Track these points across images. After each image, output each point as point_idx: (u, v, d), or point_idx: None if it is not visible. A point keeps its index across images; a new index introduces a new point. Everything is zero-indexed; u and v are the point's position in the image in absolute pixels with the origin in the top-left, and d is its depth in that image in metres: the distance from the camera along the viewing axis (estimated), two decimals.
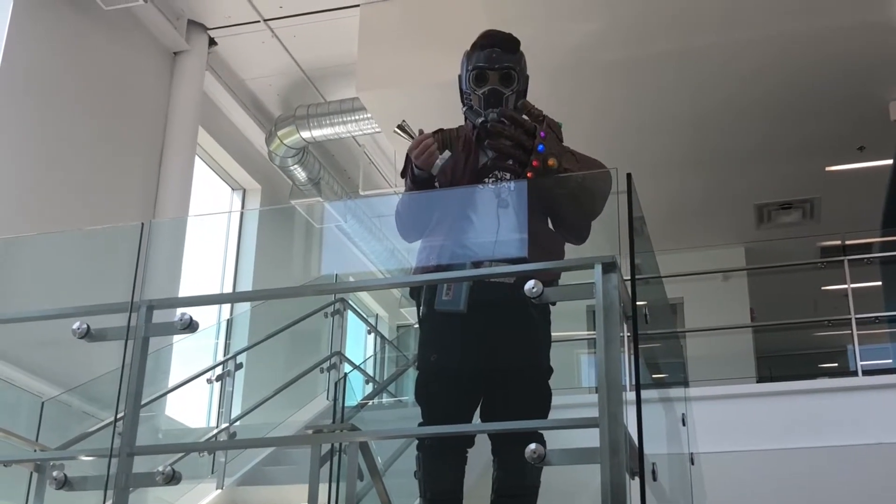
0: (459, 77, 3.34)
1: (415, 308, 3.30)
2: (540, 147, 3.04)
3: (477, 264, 3.10)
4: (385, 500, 3.63)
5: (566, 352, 7.96)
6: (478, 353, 3.06)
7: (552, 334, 3.18)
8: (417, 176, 3.16)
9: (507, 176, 3.20)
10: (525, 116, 3.17)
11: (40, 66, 6.54)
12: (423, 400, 3.13)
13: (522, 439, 2.37)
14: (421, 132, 3.17)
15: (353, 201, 10.16)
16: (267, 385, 6.93)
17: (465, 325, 3.04)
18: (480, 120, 3.22)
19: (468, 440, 3.09)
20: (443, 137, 3.30)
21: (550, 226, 3.25)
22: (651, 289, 3.38)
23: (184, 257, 7.38)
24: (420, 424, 3.15)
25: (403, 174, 3.34)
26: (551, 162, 3.05)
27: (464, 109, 3.32)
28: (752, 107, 7.72)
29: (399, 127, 3.25)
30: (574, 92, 7.14)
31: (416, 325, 3.39)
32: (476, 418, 3.14)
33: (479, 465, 3.18)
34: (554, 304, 2.95)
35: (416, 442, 3.16)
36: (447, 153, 3.13)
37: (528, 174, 3.03)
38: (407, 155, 3.26)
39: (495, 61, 3.24)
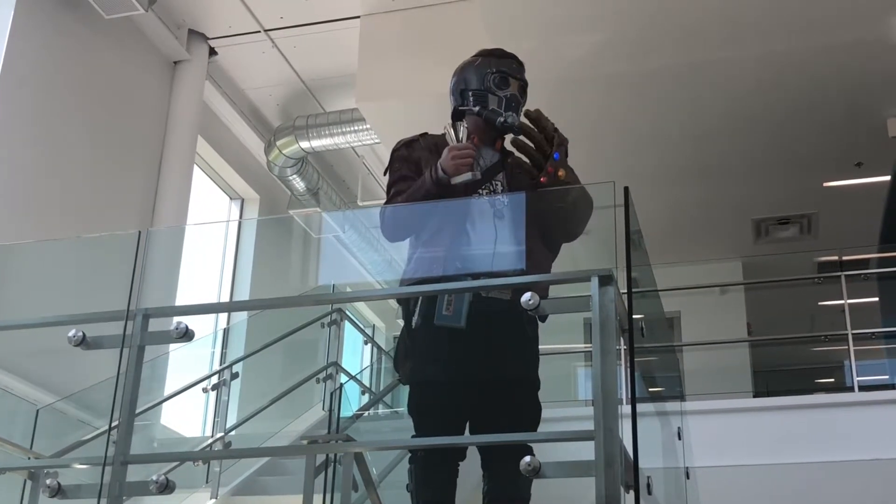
0: (465, 80, 3.31)
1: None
2: (556, 155, 3.09)
3: (475, 278, 3.10)
4: None
5: (562, 364, 7.94)
6: (471, 367, 3.06)
7: (541, 347, 3.19)
8: (440, 178, 3.10)
9: (499, 188, 3.22)
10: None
11: (40, 74, 6.55)
12: (415, 413, 3.13)
13: (512, 453, 2.37)
14: (473, 140, 3.19)
15: (352, 212, 10.17)
16: (263, 395, 6.92)
17: (460, 339, 3.02)
18: (500, 119, 3.20)
19: (460, 453, 3.08)
20: (435, 141, 3.28)
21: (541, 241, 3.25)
22: (648, 302, 3.38)
23: (181, 266, 7.37)
24: (413, 437, 3.14)
25: (388, 171, 3.34)
26: (562, 173, 3.09)
27: (476, 109, 3.25)
28: (751, 122, 7.73)
29: (455, 126, 3.23)
30: (573, 105, 7.16)
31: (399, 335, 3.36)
32: (468, 432, 3.13)
33: (473, 478, 3.18)
34: (544, 319, 2.94)
35: (408, 455, 3.15)
36: (478, 174, 3.11)
37: (542, 178, 3.05)
38: (396, 152, 3.30)
39: (516, 71, 3.32)
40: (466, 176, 3.08)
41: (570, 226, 3.20)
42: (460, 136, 3.17)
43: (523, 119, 3.19)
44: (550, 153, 3.08)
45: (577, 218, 3.17)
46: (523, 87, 3.31)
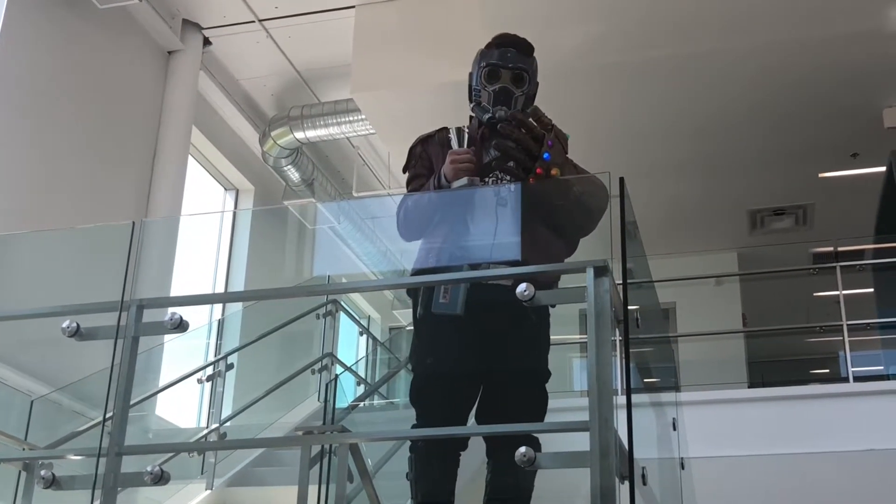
0: (471, 75, 3.31)
1: (407, 309, 3.29)
2: (546, 155, 3.04)
3: (475, 266, 3.08)
4: (375, 502, 3.61)
5: (559, 355, 7.92)
6: (474, 355, 3.05)
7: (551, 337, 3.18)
8: (441, 186, 3.15)
9: (507, 177, 3.19)
10: (533, 122, 3.16)
11: (34, 65, 6.52)
12: (418, 402, 3.11)
13: (517, 442, 2.36)
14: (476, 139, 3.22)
15: (347, 203, 10.15)
16: (258, 386, 6.92)
17: (461, 327, 3.02)
18: (487, 116, 3.21)
19: (462, 443, 3.07)
20: (448, 137, 3.28)
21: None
22: (643, 293, 3.38)
23: (176, 257, 7.36)
24: (414, 426, 3.13)
25: (405, 169, 3.35)
26: (554, 172, 3.05)
27: (471, 106, 3.31)
28: (747, 113, 7.72)
29: (459, 130, 3.28)
30: (570, 95, 7.14)
31: (409, 327, 3.37)
32: (471, 420, 3.12)
33: (472, 467, 3.18)
34: (553, 306, 2.93)
35: (409, 444, 3.14)
36: (476, 180, 3.13)
37: (531, 179, 3.03)
38: (412, 149, 3.31)
39: (509, 60, 3.23)
40: (463, 181, 3.10)
41: (579, 218, 3.15)
42: (462, 140, 3.22)
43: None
44: (539, 154, 3.04)
45: (585, 210, 3.11)
46: (518, 75, 3.22)
